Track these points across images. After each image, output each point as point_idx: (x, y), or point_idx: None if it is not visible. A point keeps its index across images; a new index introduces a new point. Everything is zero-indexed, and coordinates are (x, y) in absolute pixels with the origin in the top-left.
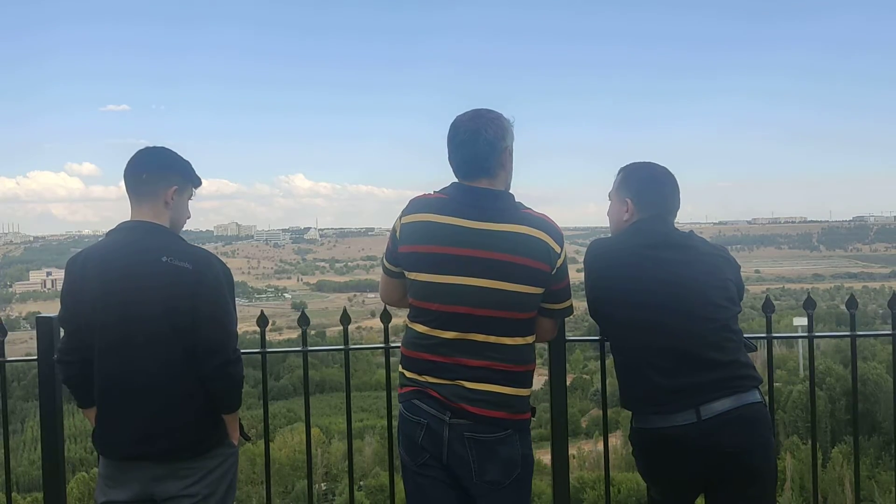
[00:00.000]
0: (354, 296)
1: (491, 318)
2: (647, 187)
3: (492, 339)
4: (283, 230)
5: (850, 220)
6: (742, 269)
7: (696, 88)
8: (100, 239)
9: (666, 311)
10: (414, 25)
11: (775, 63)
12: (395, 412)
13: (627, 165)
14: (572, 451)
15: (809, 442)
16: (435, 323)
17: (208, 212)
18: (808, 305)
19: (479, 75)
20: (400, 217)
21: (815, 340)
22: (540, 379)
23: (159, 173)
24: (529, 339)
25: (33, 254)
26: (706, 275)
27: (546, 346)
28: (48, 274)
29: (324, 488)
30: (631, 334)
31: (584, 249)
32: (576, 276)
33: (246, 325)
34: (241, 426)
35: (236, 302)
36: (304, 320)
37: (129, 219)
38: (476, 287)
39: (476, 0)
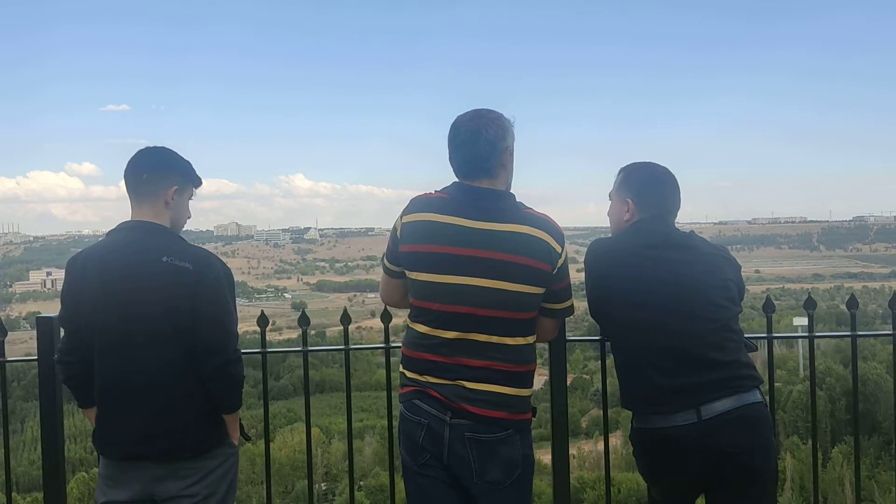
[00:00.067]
0: (354, 296)
1: (492, 318)
2: (648, 187)
3: (493, 339)
4: (283, 230)
5: (850, 220)
6: (742, 269)
7: (696, 88)
8: (100, 239)
9: (666, 311)
10: (414, 25)
11: (775, 63)
12: (396, 412)
13: (628, 165)
14: (572, 451)
15: (809, 442)
16: (436, 323)
17: (208, 212)
18: (809, 305)
19: (479, 75)
20: (401, 216)
21: (815, 340)
22: (540, 379)
23: (159, 173)
24: (530, 339)
25: (33, 254)
26: (707, 275)
27: (546, 345)
28: (48, 274)
29: (324, 488)
30: (631, 334)
31: (584, 249)
32: (576, 275)
33: (246, 325)
34: (241, 426)
35: (236, 302)
36: (304, 320)
37: (129, 219)
38: (478, 287)
39: (476, 0)
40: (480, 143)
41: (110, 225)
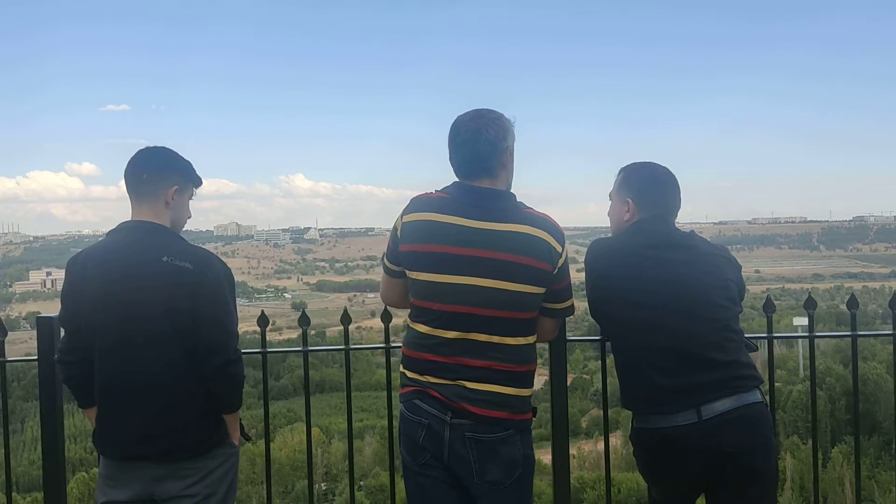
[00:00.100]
0: (354, 296)
1: (493, 318)
2: (648, 187)
3: (494, 338)
4: (283, 230)
5: (850, 220)
6: (742, 269)
7: (696, 88)
8: (100, 239)
9: (667, 311)
10: (414, 25)
11: (775, 63)
12: (396, 412)
13: (628, 165)
14: (572, 451)
15: (809, 442)
16: (436, 322)
17: (208, 212)
18: (809, 305)
19: (479, 75)
20: (401, 216)
21: (815, 340)
22: (540, 379)
23: (160, 173)
24: (531, 339)
25: (33, 254)
26: (707, 275)
27: (546, 345)
28: (48, 274)
29: (324, 488)
30: (631, 334)
31: (584, 249)
32: (576, 275)
33: (246, 325)
34: (241, 426)
35: (237, 302)
36: (304, 320)
37: (129, 219)
38: (479, 287)
39: (476, 0)
40: (481, 143)
41: (110, 225)
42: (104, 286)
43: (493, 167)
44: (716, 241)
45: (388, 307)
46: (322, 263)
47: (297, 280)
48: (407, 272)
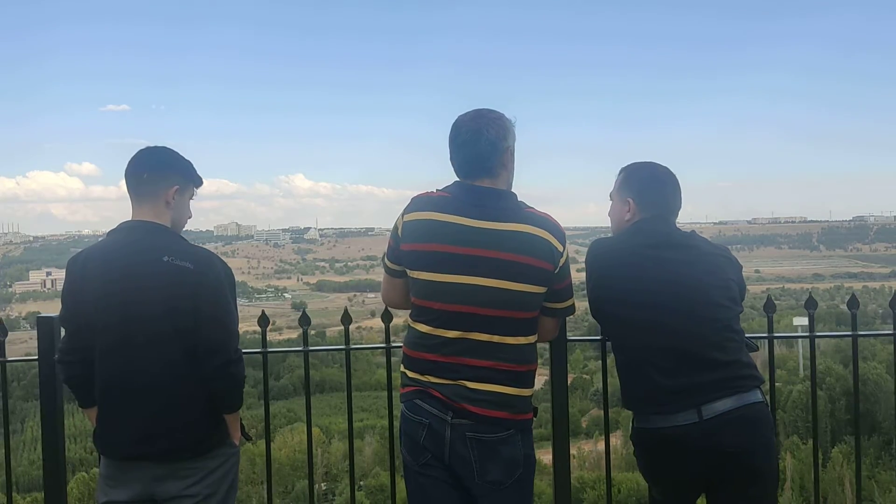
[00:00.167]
0: (354, 296)
1: (494, 318)
2: (649, 187)
3: (495, 338)
4: (283, 230)
5: (850, 220)
6: (742, 269)
7: (696, 88)
8: (100, 239)
9: (667, 311)
10: (414, 25)
11: (775, 62)
12: (396, 412)
13: (629, 165)
14: (572, 451)
15: (809, 442)
16: (437, 322)
17: (208, 212)
18: (810, 305)
19: (479, 75)
20: (402, 215)
21: (815, 340)
22: (540, 379)
23: (160, 173)
24: (532, 339)
25: (33, 254)
26: (708, 275)
27: (547, 345)
28: (48, 274)
29: (324, 488)
30: (632, 334)
31: (585, 249)
32: (576, 275)
33: (246, 325)
34: (242, 426)
35: (237, 302)
36: (305, 320)
37: (129, 218)
38: (480, 286)
39: (476, 0)
40: (481, 143)
41: (110, 225)
42: (105, 286)
43: (493, 167)
44: (716, 241)
45: (389, 308)
46: (322, 263)
47: (297, 280)
48: (408, 271)
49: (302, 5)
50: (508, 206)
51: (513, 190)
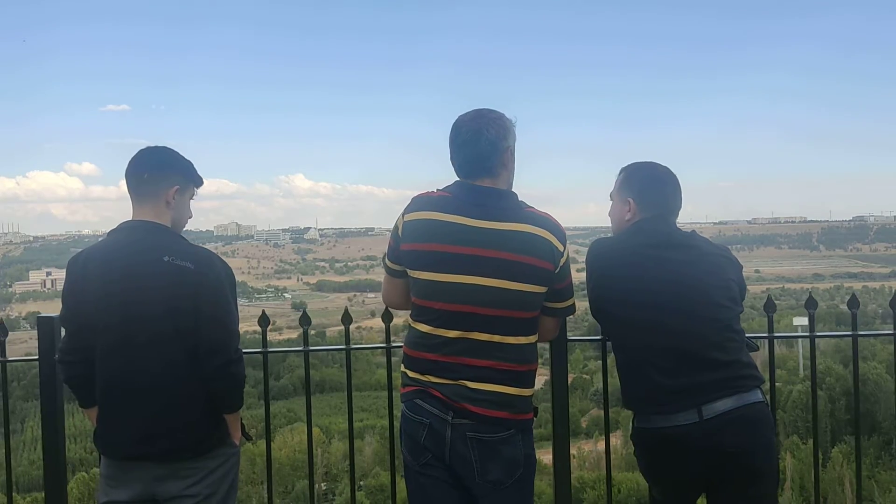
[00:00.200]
0: (354, 296)
1: (495, 318)
2: (649, 187)
3: (496, 338)
4: (283, 230)
5: (850, 220)
6: (743, 269)
7: (696, 88)
8: (100, 239)
9: (668, 311)
10: (414, 25)
11: (775, 62)
12: (397, 412)
13: (629, 165)
14: (572, 451)
15: (809, 442)
16: (438, 322)
17: (208, 212)
18: (810, 305)
19: (479, 75)
20: (403, 215)
21: (815, 340)
22: (539, 379)
23: (161, 173)
24: (532, 339)
25: (33, 254)
26: (709, 275)
27: (547, 345)
28: (48, 274)
29: (324, 488)
30: (632, 334)
31: (584, 249)
32: (575, 275)
33: (246, 325)
34: (242, 426)
35: (237, 301)
36: (305, 320)
37: (130, 218)
38: (481, 286)
39: (476, 0)
40: (482, 143)
41: (110, 225)
42: (105, 286)
43: (493, 167)
44: (716, 241)
45: (389, 308)
46: (322, 263)
47: (297, 280)
48: (408, 271)
49: (302, 5)
50: (509, 205)
51: (513, 190)
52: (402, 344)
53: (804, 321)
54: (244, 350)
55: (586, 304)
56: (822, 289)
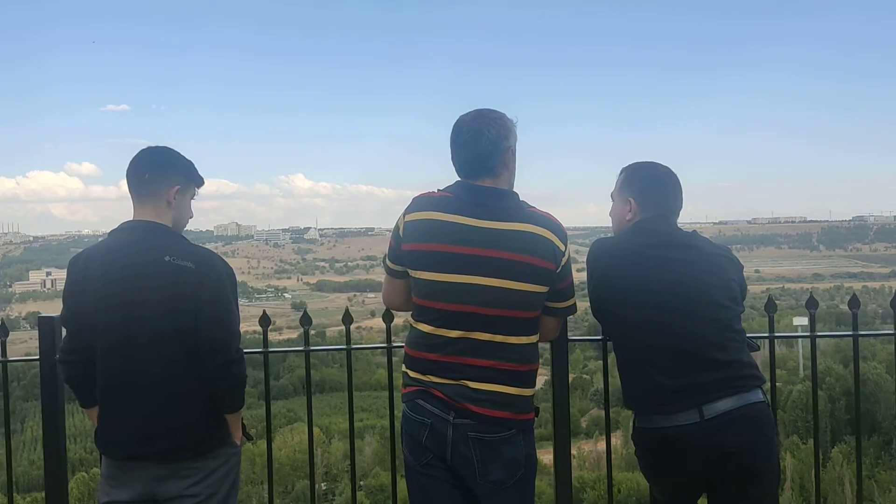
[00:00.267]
0: (354, 296)
1: (497, 318)
2: (650, 187)
3: (497, 338)
4: (283, 230)
5: (849, 220)
6: (744, 269)
7: (696, 88)
8: (101, 239)
9: (668, 311)
10: (414, 25)
11: (775, 61)
12: (397, 412)
13: (630, 165)
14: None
15: (809, 442)
16: (439, 322)
17: (208, 212)
18: (811, 305)
19: (479, 75)
20: (403, 215)
21: (816, 340)
22: (539, 379)
23: (162, 173)
24: (533, 339)
25: (33, 254)
26: (709, 275)
27: (547, 345)
28: (48, 274)
29: (324, 488)
30: (633, 333)
31: (585, 249)
32: (576, 275)
33: (246, 325)
34: (243, 426)
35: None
36: (306, 320)
37: (130, 218)
38: (483, 286)
39: (476, 0)
40: (482, 143)
41: (110, 225)
42: (106, 286)
43: (494, 167)
44: (716, 241)
45: (390, 309)
46: (322, 263)
47: (297, 280)
48: (409, 271)
49: (302, 5)
50: (510, 205)
51: (514, 190)
52: (402, 344)
53: (804, 321)
54: (245, 350)
55: (586, 303)
56: (822, 289)
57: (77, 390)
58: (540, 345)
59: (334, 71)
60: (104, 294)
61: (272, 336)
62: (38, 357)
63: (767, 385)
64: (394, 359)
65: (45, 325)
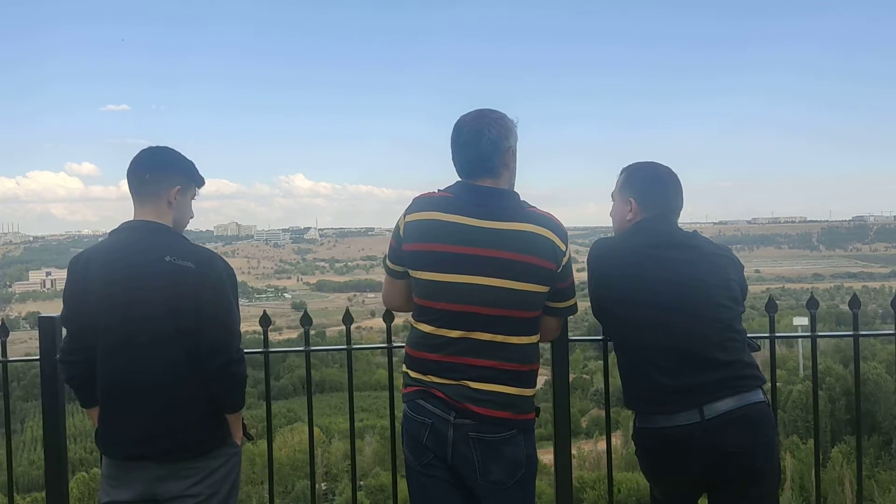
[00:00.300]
0: (354, 296)
1: (497, 317)
2: (651, 187)
3: (498, 338)
4: (283, 230)
5: (849, 220)
6: (744, 269)
7: (696, 88)
8: (101, 239)
9: (669, 311)
10: (414, 25)
11: (775, 61)
12: (397, 412)
13: (630, 165)
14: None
15: (809, 442)
16: (440, 322)
17: (208, 212)
18: (811, 305)
19: (480, 75)
20: (404, 215)
21: (816, 340)
22: (539, 379)
23: (162, 173)
24: (534, 339)
25: (33, 254)
26: (710, 275)
27: (548, 345)
28: (48, 274)
29: (324, 488)
30: (633, 333)
31: (585, 249)
32: (576, 275)
33: (246, 325)
34: (243, 426)
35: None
36: (306, 320)
37: (131, 218)
38: (484, 286)
39: (476, 0)
40: (483, 143)
41: (110, 225)
42: (107, 286)
43: (495, 167)
44: (716, 241)
45: (390, 310)
46: (322, 263)
47: (297, 280)
48: (410, 272)
49: (302, 5)
50: (511, 205)
51: (514, 190)
52: (403, 344)
53: (804, 321)
54: (245, 350)
55: (587, 303)
56: (822, 289)
57: (78, 390)
58: (540, 345)
59: (334, 71)
60: (105, 294)
61: (272, 336)
62: (38, 357)
63: (768, 385)
64: (394, 359)
65: (45, 325)
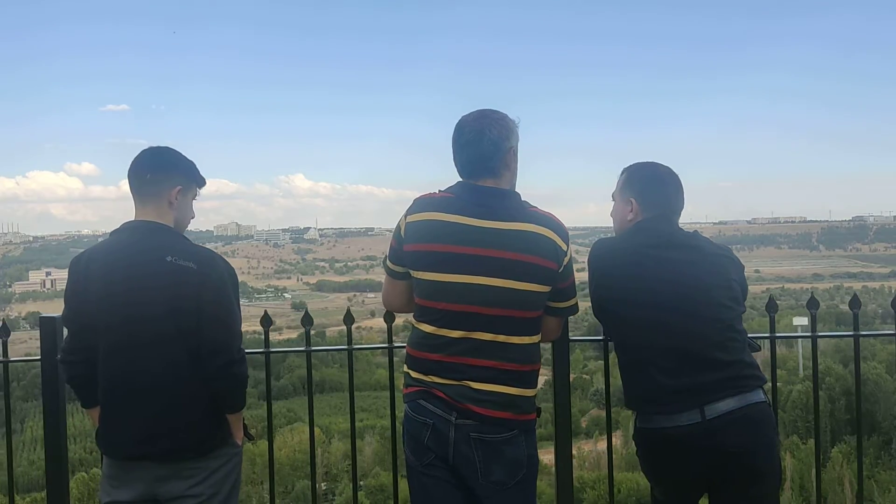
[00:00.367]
0: (354, 296)
1: (498, 318)
2: (651, 187)
3: (499, 338)
4: (283, 230)
5: (849, 220)
6: (744, 269)
7: (696, 88)
8: (102, 239)
9: (669, 311)
10: (414, 25)
11: (776, 61)
12: (397, 412)
13: (631, 165)
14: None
15: (809, 442)
16: (441, 322)
17: (208, 212)
18: (812, 305)
19: (480, 75)
20: (405, 216)
21: (816, 340)
22: (540, 379)
23: (163, 173)
24: (535, 339)
25: (33, 254)
26: (711, 275)
27: (548, 345)
28: (47, 274)
29: (324, 488)
30: (634, 333)
31: (585, 249)
32: (577, 275)
33: (247, 325)
34: (244, 426)
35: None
36: (307, 320)
37: (132, 219)
38: (485, 286)
39: (476, 0)
40: (484, 143)
41: (110, 225)
42: (108, 286)
43: (496, 167)
44: (716, 241)
45: (390, 310)
46: (322, 263)
47: (297, 280)
48: (411, 272)
49: (302, 5)
50: (512, 205)
51: (515, 190)
52: (403, 344)
53: (804, 321)
54: (246, 350)
55: (587, 303)
56: (821, 289)
57: (78, 390)
58: (541, 345)
59: (334, 71)
60: (106, 294)
61: (272, 336)
62: (38, 357)
63: (768, 385)
64: (395, 359)
65: (46, 326)
